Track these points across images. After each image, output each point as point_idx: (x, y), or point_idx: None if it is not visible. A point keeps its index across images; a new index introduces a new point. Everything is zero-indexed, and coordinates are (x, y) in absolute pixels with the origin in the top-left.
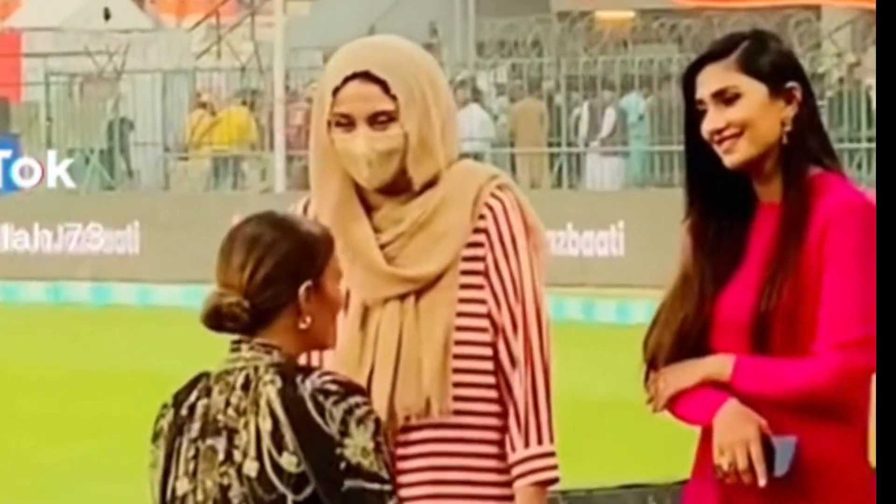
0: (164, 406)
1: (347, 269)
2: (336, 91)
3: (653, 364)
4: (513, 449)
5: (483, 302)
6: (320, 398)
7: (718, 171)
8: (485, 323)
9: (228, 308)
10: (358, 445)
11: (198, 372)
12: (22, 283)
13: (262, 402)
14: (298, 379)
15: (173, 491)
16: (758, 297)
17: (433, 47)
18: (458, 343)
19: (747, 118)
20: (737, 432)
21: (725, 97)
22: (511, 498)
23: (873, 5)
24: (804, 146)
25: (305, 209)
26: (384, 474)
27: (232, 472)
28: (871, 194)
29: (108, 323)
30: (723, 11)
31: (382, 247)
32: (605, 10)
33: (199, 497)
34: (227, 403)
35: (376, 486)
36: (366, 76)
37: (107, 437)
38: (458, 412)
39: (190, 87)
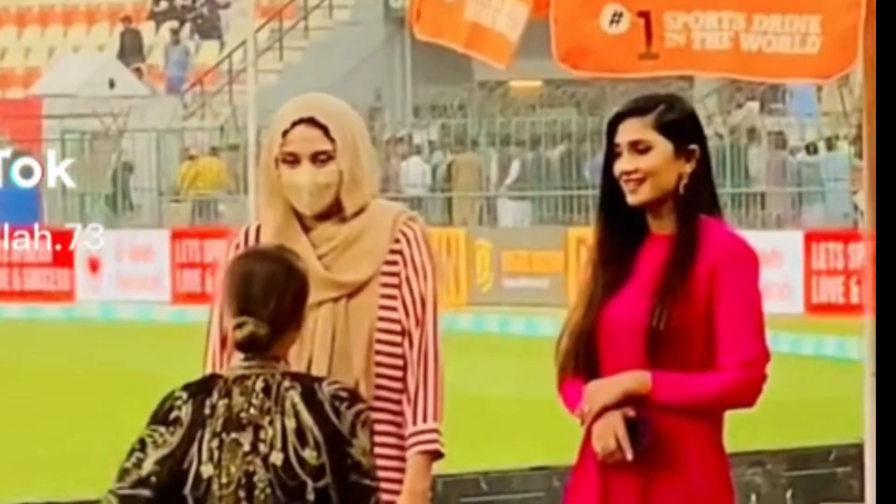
0: (175, 397)
1: None
2: (285, 133)
3: (561, 372)
4: (405, 426)
5: (396, 309)
6: (336, 403)
7: (622, 203)
8: (397, 326)
9: (263, 338)
10: (361, 446)
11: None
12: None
13: (287, 405)
14: (315, 385)
15: (198, 474)
16: (648, 314)
17: (378, 110)
18: (378, 341)
19: (653, 168)
20: (606, 419)
21: (639, 147)
22: (402, 474)
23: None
24: (697, 196)
25: (258, 232)
26: (375, 473)
27: (258, 461)
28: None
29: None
30: (613, 81)
31: (319, 258)
32: (517, 80)
33: (224, 480)
34: (250, 404)
35: (371, 482)
36: (311, 121)
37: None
38: (376, 400)
39: (179, 143)
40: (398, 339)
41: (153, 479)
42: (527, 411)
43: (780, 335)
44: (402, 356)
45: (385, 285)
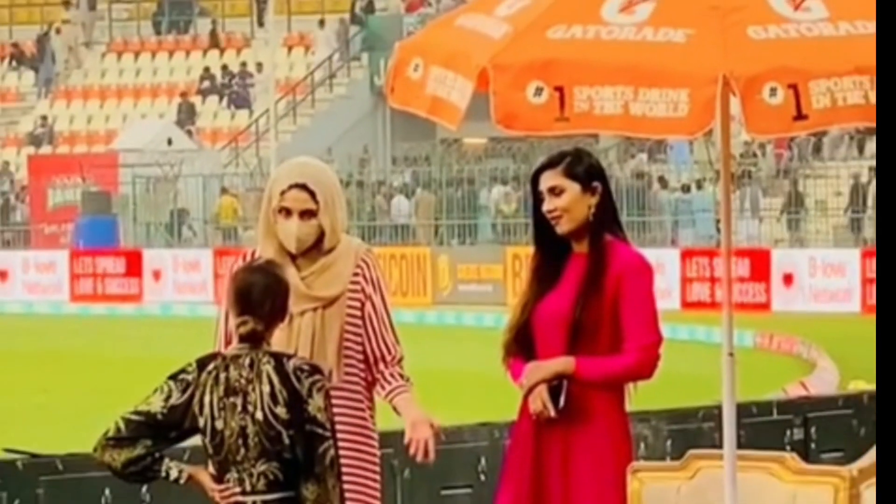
0: (188, 365)
1: None
2: (283, 192)
3: (506, 353)
4: (383, 388)
5: (359, 318)
6: (298, 373)
7: (550, 231)
8: (360, 331)
9: (260, 333)
10: (316, 405)
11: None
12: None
13: (264, 376)
14: (285, 360)
15: (213, 427)
16: (572, 309)
17: (366, 160)
18: (346, 339)
19: (567, 206)
20: (536, 389)
21: (555, 191)
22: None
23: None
24: (603, 222)
25: (253, 254)
26: (328, 426)
27: (248, 418)
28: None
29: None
30: (539, 138)
31: (302, 279)
32: (469, 137)
33: (228, 432)
34: (240, 375)
35: (323, 431)
36: (303, 187)
37: None
38: (344, 381)
39: (220, 185)
40: (359, 340)
41: (158, 416)
42: (478, 382)
43: (663, 325)
44: (362, 345)
45: (351, 298)
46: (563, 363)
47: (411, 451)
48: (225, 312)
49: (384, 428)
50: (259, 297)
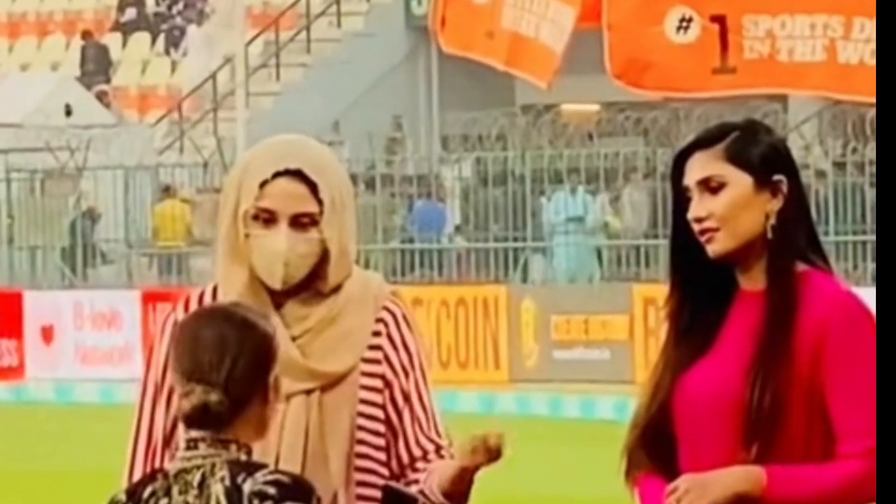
0: (117, 499)
1: None
2: (263, 184)
3: (631, 462)
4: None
5: (381, 407)
6: (255, 501)
7: (701, 257)
8: (381, 427)
9: (216, 407)
10: None
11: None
12: None
13: (213, 501)
14: (240, 479)
15: None
16: (745, 386)
17: (397, 141)
18: (359, 443)
19: (729, 210)
20: None
21: (710, 185)
22: None
23: (839, 95)
24: (790, 241)
25: (214, 294)
26: None
27: None
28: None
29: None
30: (689, 103)
31: (292, 340)
32: (570, 104)
33: None
34: (186, 503)
35: None
36: (297, 175)
37: None
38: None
39: (153, 183)
40: (381, 441)
41: None
42: None
43: None
44: (387, 448)
45: (367, 375)
46: (743, 477)
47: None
48: (148, 387)
49: None
50: (211, 353)
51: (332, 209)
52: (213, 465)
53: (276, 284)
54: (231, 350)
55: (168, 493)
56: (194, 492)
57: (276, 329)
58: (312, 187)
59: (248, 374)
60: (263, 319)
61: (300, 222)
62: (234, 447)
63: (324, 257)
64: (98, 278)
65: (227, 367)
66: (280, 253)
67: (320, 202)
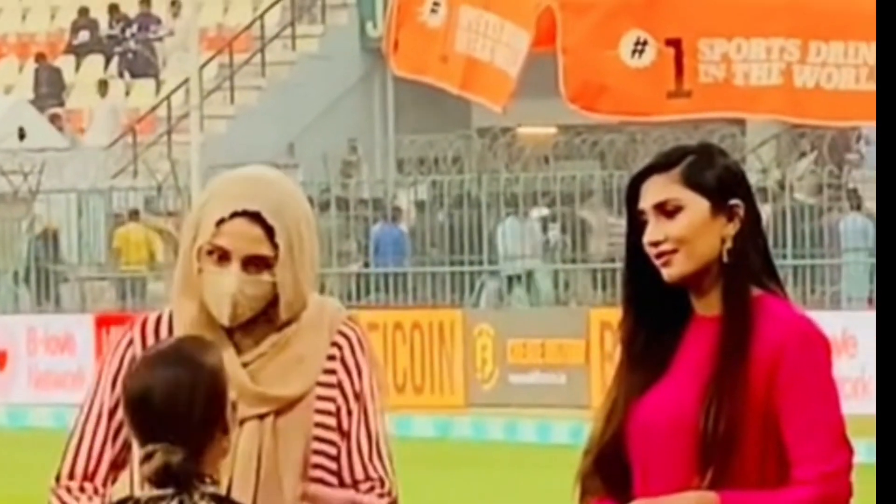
0: None
1: None
2: (220, 223)
3: (584, 489)
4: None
5: (336, 430)
6: None
7: (656, 281)
8: (334, 450)
9: (178, 466)
10: None
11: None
12: None
13: None
14: None
15: None
16: (699, 412)
17: (352, 164)
18: (314, 467)
19: (686, 233)
20: None
21: (666, 209)
22: None
23: (795, 119)
24: (745, 265)
25: (170, 321)
26: None
27: None
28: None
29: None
30: (645, 126)
31: (243, 366)
32: (526, 127)
33: None
34: None
35: None
36: (254, 217)
37: None
38: None
39: (106, 207)
40: (333, 465)
41: None
42: None
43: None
44: (339, 473)
45: (322, 398)
46: (697, 502)
47: None
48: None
49: None
50: (164, 406)
51: (289, 253)
52: (191, 495)
53: (224, 322)
54: (183, 399)
55: None
56: None
57: (225, 356)
58: (269, 231)
59: (205, 417)
60: (211, 351)
61: (253, 264)
62: (208, 480)
63: (275, 299)
64: (53, 302)
65: (182, 419)
66: (228, 294)
67: (276, 246)
